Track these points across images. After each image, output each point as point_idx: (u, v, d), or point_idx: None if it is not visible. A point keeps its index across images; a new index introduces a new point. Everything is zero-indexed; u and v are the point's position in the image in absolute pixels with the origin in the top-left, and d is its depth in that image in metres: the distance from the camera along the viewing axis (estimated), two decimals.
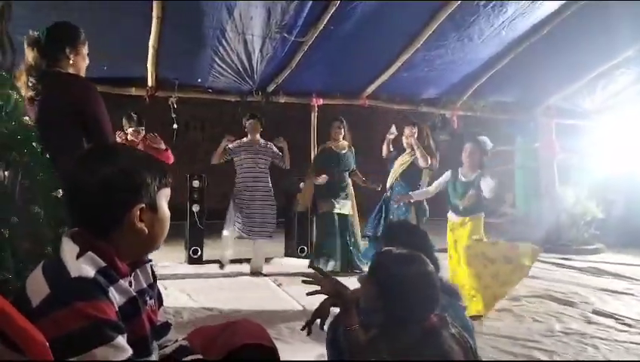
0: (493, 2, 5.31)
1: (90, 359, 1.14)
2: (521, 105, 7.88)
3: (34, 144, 2.06)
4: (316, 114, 6.94)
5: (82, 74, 2.67)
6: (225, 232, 5.76)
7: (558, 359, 3.18)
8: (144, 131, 5.31)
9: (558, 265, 6.44)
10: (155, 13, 4.78)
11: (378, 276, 1.74)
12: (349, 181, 6.05)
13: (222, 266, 5.87)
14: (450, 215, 4.55)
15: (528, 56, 6.36)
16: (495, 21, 5.64)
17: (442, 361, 1.53)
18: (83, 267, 1.23)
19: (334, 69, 6.31)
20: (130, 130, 5.25)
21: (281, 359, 1.66)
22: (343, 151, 5.98)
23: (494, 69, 6.72)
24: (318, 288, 1.97)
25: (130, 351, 1.21)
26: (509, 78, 6.90)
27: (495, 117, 8.08)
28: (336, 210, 5.85)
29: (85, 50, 2.68)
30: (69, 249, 1.28)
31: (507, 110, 7.91)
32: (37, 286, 1.21)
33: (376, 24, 5.40)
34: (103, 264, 1.28)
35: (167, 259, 6.24)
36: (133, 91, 5.98)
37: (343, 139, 6.02)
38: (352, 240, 5.94)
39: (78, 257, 1.25)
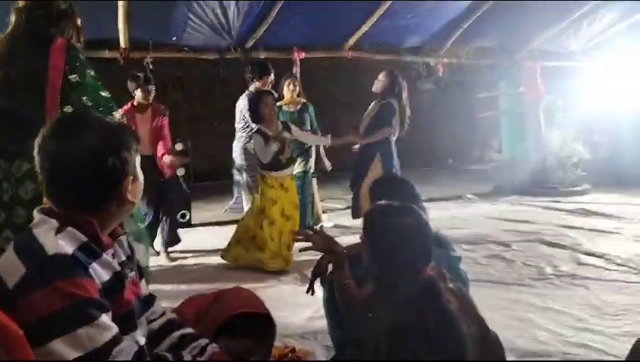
0: None
1: (75, 340, 1.08)
2: (505, 49, 7.76)
3: None
4: (299, 68, 6.74)
5: None
6: None
7: (550, 302, 3.21)
8: (154, 90, 4.82)
9: (546, 208, 6.47)
10: None
11: (371, 230, 1.70)
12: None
13: None
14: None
15: None
16: None
17: (439, 316, 1.49)
18: (60, 244, 1.16)
19: (314, 20, 6.12)
20: (138, 92, 4.69)
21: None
22: (297, 108, 5.41)
23: (477, 14, 6.58)
24: (310, 245, 1.96)
25: (115, 329, 1.16)
26: (492, 22, 6.79)
27: (479, 63, 7.97)
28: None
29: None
30: (44, 225, 1.21)
31: (490, 55, 7.80)
32: (11, 267, 1.14)
33: None
34: (85, 239, 1.21)
35: None
36: (107, 54, 5.75)
37: (298, 96, 5.48)
38: (305, 199, 5.31)
39: (57, 233, 1.18)
